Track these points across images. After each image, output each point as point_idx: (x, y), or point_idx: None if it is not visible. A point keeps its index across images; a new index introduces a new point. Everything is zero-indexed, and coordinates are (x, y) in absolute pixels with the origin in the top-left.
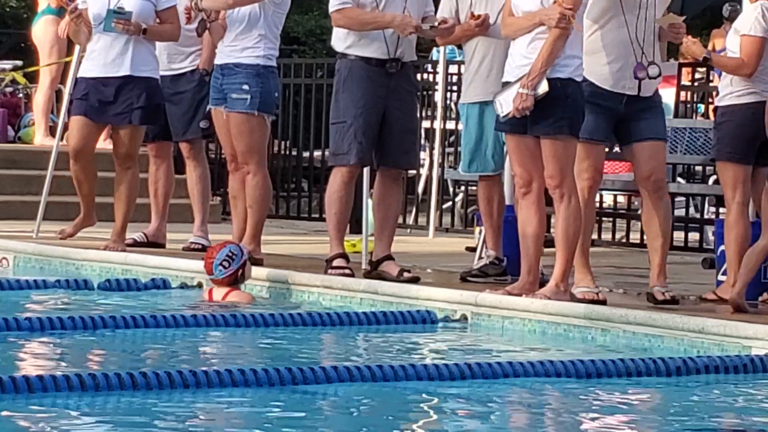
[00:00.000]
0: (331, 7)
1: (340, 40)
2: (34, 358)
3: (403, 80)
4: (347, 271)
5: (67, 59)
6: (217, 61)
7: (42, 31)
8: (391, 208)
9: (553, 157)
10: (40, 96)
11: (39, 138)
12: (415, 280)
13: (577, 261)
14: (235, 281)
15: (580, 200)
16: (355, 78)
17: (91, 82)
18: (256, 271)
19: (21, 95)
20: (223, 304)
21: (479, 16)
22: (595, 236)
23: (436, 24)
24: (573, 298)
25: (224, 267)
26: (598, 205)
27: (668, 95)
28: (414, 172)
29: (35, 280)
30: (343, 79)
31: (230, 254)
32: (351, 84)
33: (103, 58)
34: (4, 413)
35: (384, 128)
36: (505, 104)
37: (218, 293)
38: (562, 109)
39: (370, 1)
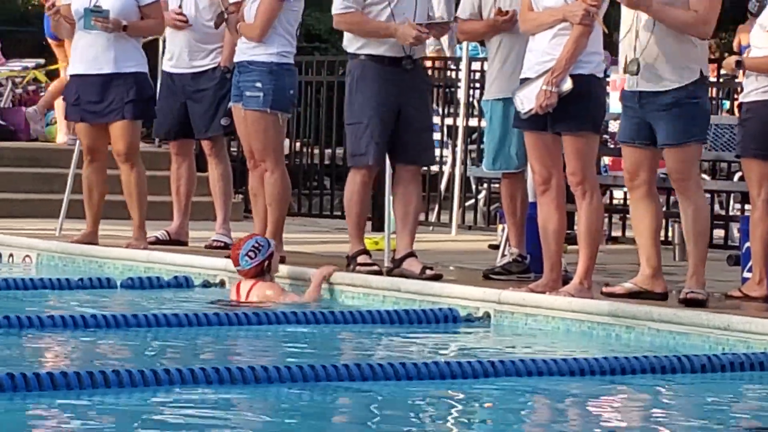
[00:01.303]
0: (334, 10)
1: (351, 40)
2: (56, 356)
3: (417, 77)
4: (375, 267)
5: None
6: (235, 59)
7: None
8: (411, 205)
9: (575, 154)
10: (58, 97)
11: (61, 137)
12: (437, 278)
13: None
14: (261, 273)
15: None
16: (368, 78)
17: (78, 81)
18: (285, 269)
19: (43, 93)
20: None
21: (506, 12)
22: (618, 233)
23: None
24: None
25: (250, 258)
26: (621, 201)
27: None
28: (437, 169)
29: (58, 279)
30: (356, 79)
31: (256, 245)
32: (364, 84)
33: (86, 56)
34: (29, 411)
35: (400, 126)
36: (527, 101)
37: (245, 286)
38: (584, 105)
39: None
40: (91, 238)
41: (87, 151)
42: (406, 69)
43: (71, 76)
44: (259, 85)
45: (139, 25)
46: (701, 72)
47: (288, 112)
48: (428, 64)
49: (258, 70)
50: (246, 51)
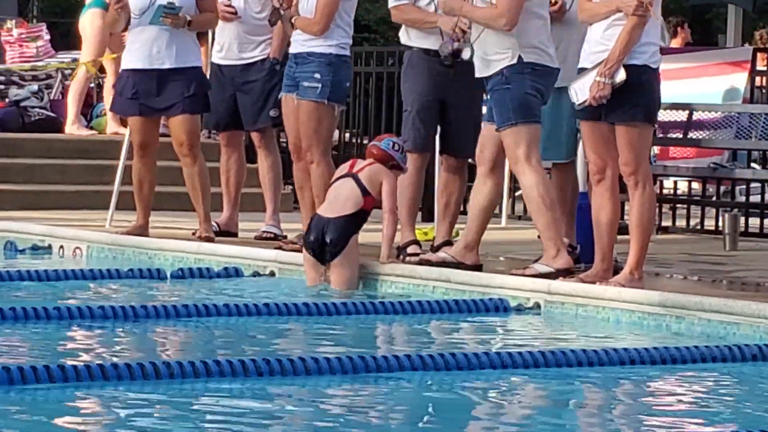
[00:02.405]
0: (390, 3)
1: (403, 32)
2: (106, 347)
3: (466, 72)
4: (414, 258)
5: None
6: (292, 50)
7: (87, 23)
8: (452, 196)
9: (628, 145)
10: (74, 85)
11: (69, 126)
12: (477, 267)
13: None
14: (385, 161)
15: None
16: (414, 68)
17: (135, 75)
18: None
19: (92, 85)
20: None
21: (556, 2)
22: (669, 223)
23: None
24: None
25: (394, 147)
26: (671, 191)
27: (740, 80)
28: None
29: (108, 270)
30: (404, 69)
31: (400, 147)
32: (410, 73)
33: (147, 51)
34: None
35: (444, 117)
36: (581, 92)
37: (362, 163)
38: (637, 96)
39: None
40: (141, 230)
41: (138, 145)
42: (448, 63)
43: (127, 70)
44: (317, 76)
45: (199, 20)
46: (519, 58)
47: (343, 104)
48: None
49: (317, 62)
50: (305, 42)
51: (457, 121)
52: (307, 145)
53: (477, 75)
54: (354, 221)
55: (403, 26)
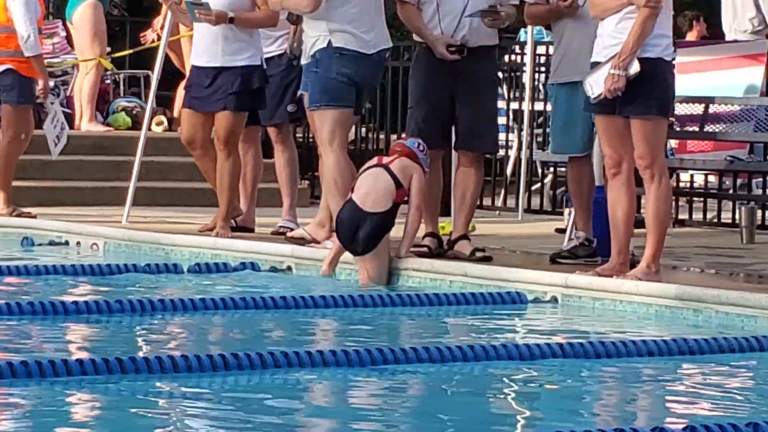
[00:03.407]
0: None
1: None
2: (125, 341)
3: (473, 65)
4: (423, 249)
5: (155, 44)
6: None
7: (83, 17)
8: (468, 190)
9: (643, 138)
10: (86, 83)
11: (85, 124)
12: (487, 260)
13: None
14: (410, 156)
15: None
16: (420, 65)
17: (194, 71)
18: (345, 255)
19: (109, 81)
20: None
21: None
22: (685, 216)
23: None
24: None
25: (419, 146)
26: (688, 185)
27: (757, 73)
28: (503, 153)
29: (125, 264)
30: (412, 66)
31: (424, 147)
32: (416, 70)
33: (198, 48)
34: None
35: (456, 112)
36: (596, 86)
37: (390, 158)
38: (651, 89)
39: None
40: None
41: (185, 140)
42: (457, 58)
43: (193, 65)
44: None
45: (247, 18)
46: (329, 42)
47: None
48: None
49: None
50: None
51: (468, 115)
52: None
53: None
54: (389, 218)
55: None
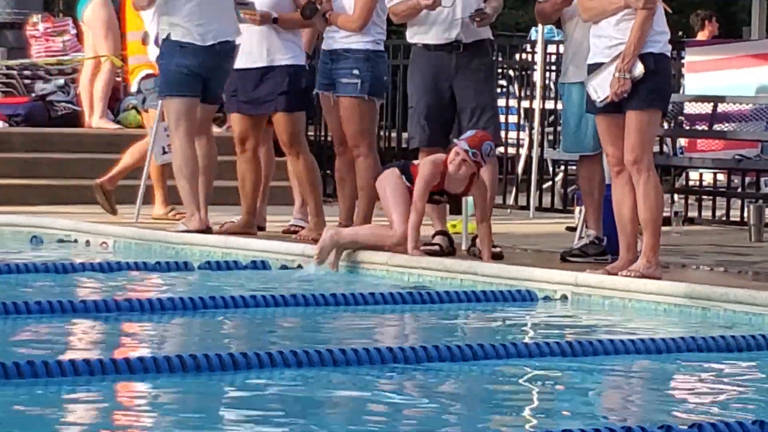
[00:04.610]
0: (388, 3)
1: (408, 31)
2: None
3: (469, 60)
4: (434, 248)
5: None
6: (325, 46)
7: (94, 15)
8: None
9: (637, 131)
10: (99, 80)
11: (96, 120)
12: (499, 257)
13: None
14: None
15: None
16: (417, 65)
17: (236, 74)
18: (362, 254)
19: (119, 79)
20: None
21: None
22: (694, 214)
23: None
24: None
25: (486, 150)
26: (697, 183)
27: (764, 73)
28: (514, 152)
29: (135, 262)
30: (410, 66)
31: (491, 150)
32: (414, 71)
33: (243, 49)
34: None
35: (457, 109)
36: (600, 89)
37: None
38: (655, 83)
39: None
40: (244, 228)
41: (237, 140)
42: (452, 55)
43: (234, 69)
44: (356, 72)
45: (292, 17)
46: (168, 35)
47: (383, 99)
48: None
49: (354, 57)
50: (340, 39)
51: (470, 111)
52: (354, 142)
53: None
54: None
55: (408, 25)
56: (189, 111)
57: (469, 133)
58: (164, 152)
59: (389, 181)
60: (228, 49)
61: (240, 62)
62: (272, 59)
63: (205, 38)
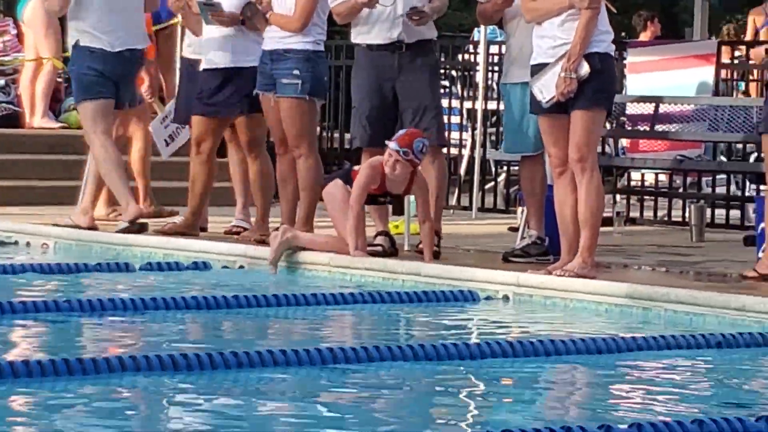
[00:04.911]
0: (330, 3)
1: (352, 32)
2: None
3: (412, 60)
4: (377, 249)
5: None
6: (266, 47)
7: (35, 15)
8: (430, 185)
9: (583, 130)
10: (41, 82)
11: (37, 120)
12: (435, 256)
13: None
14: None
15: None
16: (360, 65)
17: (202, 75)
18: (304, 254)
19: (61, 80)
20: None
21: None
22: (636, 214)
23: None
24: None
25: (418, 147)
26: (639, 183)
27: (708, 73)
28: (456, 152)
29: (76, 263)
30: (354, 67)
31: (424, 147)
32: (357, 71)
33: (210, 50)
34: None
35: (400, 109)
36: (546, 90)
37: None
38: (600, 82)
39: None
40: (186, 229)
41: (194, 142)
42: (394, 56)
43: (203, 69)
44: (296, 72)
45: (259, 20)
46: (77, 41)
47: (323, 99)
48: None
49: (295, 58)
50: (281, 39)
51: (412, 111)
52: (295, 143)
53: None
54: None
55: (352, 26)
56: (105, 112)
57: (400, 132)
58: (167, 144)
59: (335, 195)
60: (136, 57)
61: (205, 63)
62: (237, 60)
63: (114, 45)
